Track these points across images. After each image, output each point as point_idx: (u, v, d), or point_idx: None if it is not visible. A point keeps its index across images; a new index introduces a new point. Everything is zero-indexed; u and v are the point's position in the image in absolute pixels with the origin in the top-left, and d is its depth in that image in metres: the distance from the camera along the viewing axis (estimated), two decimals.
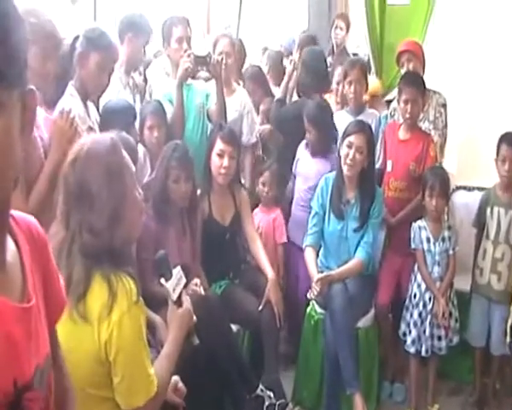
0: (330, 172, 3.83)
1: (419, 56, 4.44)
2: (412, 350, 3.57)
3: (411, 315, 3.59)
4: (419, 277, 3.59)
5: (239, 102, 4.29)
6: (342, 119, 4.21)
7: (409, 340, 3.58)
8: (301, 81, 4.52)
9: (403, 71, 4.40)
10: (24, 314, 1.07)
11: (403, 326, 3.64)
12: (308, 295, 3.49)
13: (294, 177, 4.18)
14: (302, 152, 4.14)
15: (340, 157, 3.61)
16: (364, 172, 3.59)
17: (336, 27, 6.16)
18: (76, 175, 1.89)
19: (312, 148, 4.07)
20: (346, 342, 3.34)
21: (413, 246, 3.60)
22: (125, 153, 1.98)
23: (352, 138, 3.53)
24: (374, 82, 4.78)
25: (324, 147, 4.04)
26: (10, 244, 1.10)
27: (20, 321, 1.05)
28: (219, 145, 3.57)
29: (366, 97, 4.48)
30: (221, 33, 5.02)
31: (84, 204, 1.88)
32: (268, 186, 4.07)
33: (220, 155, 3.56)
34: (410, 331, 3.59)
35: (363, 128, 3.59)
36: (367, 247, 3.58)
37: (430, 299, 3.52)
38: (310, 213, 3.82)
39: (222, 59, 3.99)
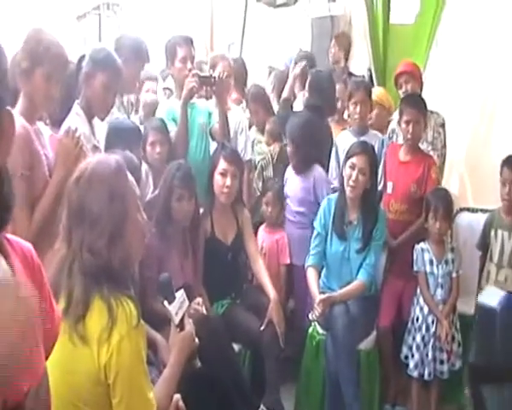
0: (313, 189, 3.95)
1: (417, 78, 4.48)
2: (415, 374, 3.54)
3: (414, 338, 3.57)
4: (421, 299, 3.57)
5: (234, 120, 4.31)
6: (345, 139, 4.22)
7: (411, 363, 3.56)
8: (309, 103, 4.52)
9: (401, 92, 4.43)
10: None
11: (405, 349, 3.62)
12: (310, 316, 3.48)
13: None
14: (289, 171, 4.17)
15: (342, 178, 3.61)
16: (367, 194, 3.59)
17: (333, 46, 6.20)
18: (79, 193, 1.91)
19: (292, 164, 4.12)
20: (347, 363, 3.33)
21: (415, 268, 3.59)
22: (129, 176, 1.98)
23: (354, 160, 3.54)
24: (380, 90, 4.78)
25: (302, 164, 4.07)
26: (2, 262, 1.10)
27: None
28: (222, 165, 3.57)
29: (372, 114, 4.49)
30: (219, 54, 5.06)
31: (85, 223, 1.89)
32: (271, 206, 4.06)
33: (223, 175, 3.57)
34: (412, 355, 3.56)
35: (366, 149, 3.59)
36: (369, 268, 3.57)
37: (433, 322, 3.50)
38: (302, 229, 3.87)
39: (225, 76, 4.02)
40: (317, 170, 4.08)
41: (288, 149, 4.12)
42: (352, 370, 3.34)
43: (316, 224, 3.72)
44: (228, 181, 3.56)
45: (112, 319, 1.82)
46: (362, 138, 4.07)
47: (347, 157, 3.60)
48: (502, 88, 4.79)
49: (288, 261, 4.03)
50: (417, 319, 3.58)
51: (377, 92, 4.68)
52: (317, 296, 3.46)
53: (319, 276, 3.71)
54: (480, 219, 3.90)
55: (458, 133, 4.86)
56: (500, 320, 2.23)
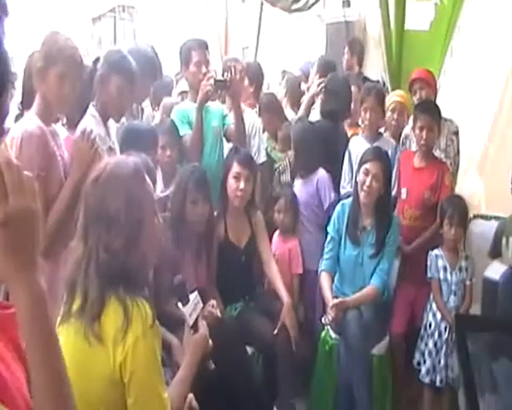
0: (316, 193, 4.02)
1: (431, 85, 4.48)
2: (427, 380, 3.54)
3: (426, 345, 3.57)
4: (434, 306, 3.57)
5: (247, 123, 4.33)
6: (358, 144, 4.23)
7: (423, 370, 3.55)
8: (325, 108, 4.53)
9: (415, 98, 4.43)
10: None
11: (417, 356, 3.61)
12: (323, 321, 3.49)
13: None
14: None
15: (356, 184, 3.62)
16: (381, 200, 3.59)
17: (346, 53, 6.21)
18: (96, 193, 1.93)
19: (293, 169, 4.17)
20: (360, 368, 3.33)
21: (429, 275, 3.59)
22: (147, 179, 2.00)
23: (368, 166, 3.54)
24: (401, 92, 4.77)
25: (304, 169, 4.13)
26: None
27: None
28: (235, 168, 3.58)
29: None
30: (231, 58, 5.06)
31: (102, 223, 1.90)
32: (283, 213, 4.04)
33: (236, 178, 3.58)
34: (424, 361, 3.56)
35: (379, 156, 3.60)
36: (382, 274, 3.57)
37: (446, 329, 3.49)
38: (306, 233, 3.95)
39: (241, 76, 4.05)
40: (320, 173, 4.10)
41: (291, 154, 4.15)
42: (365, 375, 3.34)
43: (329, 228, 3.72)
44: (242, 184, 3.57)
45: (127, 319, 1.83)
46: (375, 144, 4.07)
47: (361, 163, 3.61)
48: None
49: (301, 271, 4.02)
50: (430, 326, 3.57)
51: (399, 93, 4.67)
52: (330, 301, 3.46)
53: (332, 281, 3.71)
54: (494, 226, 3.88)
55: (472, 141, 4.85)
56: (501, 292, 2.29)
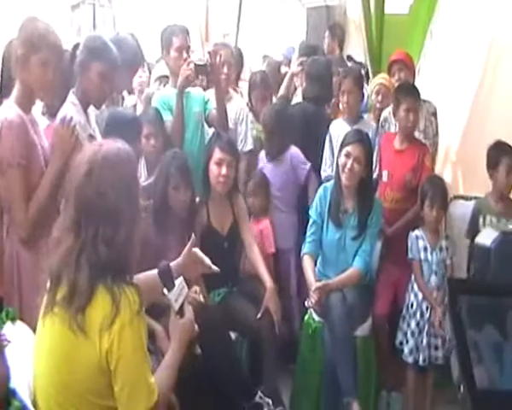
0: (291, 170, 4.08)
1: (410, 66, 4.53)
2: (410, 360, 3.58)
3: (408, 325, 3.60)
4: (416, 286, 3.60)
5: (235, 110, 4.33)
6: (339, 127, 4.26)
7: (406, 349, 3.59)
8: (307, 92, 4.54)
9: (394, 80, 4.46)
10: None
11: (399, 336, 3.65)
12: (306, 304, 3.51)
13: None
14: (262, 159, 4.27)
15: (338, 166, 3.63)
16: (363, 182, 3.60)
17: (327, 37, 6.22)
18: (92, 186, 1.90)
19: (266, 151, 4.24)
20: (344, 351, 3.34)
21: (410, 256, 3.62)
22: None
23: (349, 148, 3.55)
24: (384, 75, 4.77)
25: (276, 150, 4.17)
26: None
27: None
28: (218, 154, 3.58)
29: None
30: (220, 43, 5.03)
31: (100, 215, 1.90)
32: (253, 196, 4.07)
33: (218, 164, 3.57)
34: (407, 341, 3.59)
35: (361, 138, 3.61)
36: (365, 255, 3.59)
37: (427, 308, 3.53)
38: (281, 213, 4.06)
39: (221, 61, 4.10)
40: (293, 149, 4.16)
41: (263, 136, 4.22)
42: (349, 357, 3.35)
43: (311, 212, 3.73)
44: (224, 170, 3.56)
45: (115, 306, 1.84)
46: (355, 127, 4.10)
47: (342, 146, 3.61)
48: (495, 78, 4.81)
49: (273, 250, 4.05)
50: (412, 306, 3.61)
51: (384, 76, 4.68)
52: (314, 284, 3.48)
53: (315, 264, 3.73)
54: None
55: (451, 122, 4.88)
56: (494, 258, 2.34)
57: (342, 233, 3.64)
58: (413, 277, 3.63)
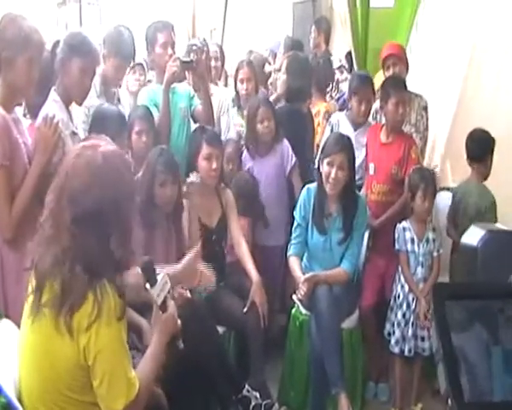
0: (274, 168, 4.10)
1: (403, 60, 4.52)
2: (396, 350, 3.60)
3: (396, 315, 3.63)
4: (403, 277, 3.62)
5: (216, 103, 4.37)
6: (343, 124, 4.35)
7: (393, 340, 3.61)
8: (288, 88, 4.54)
9: (387, 74, 4.46)
10: None
11: (388, 326, 3.67)
12: (294, 297, 3.52)
13: None
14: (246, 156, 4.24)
15: (320, 174, 3.60)
16: (346, 186, 3.58)
17: (313, 31, 6.23)
18: (91, 191, 1.91)
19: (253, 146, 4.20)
20: (331, 343, 3.36)
21: (397, 247, 3.63)
22: None
23: (332, 158, 3.51)
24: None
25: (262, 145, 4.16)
26: None
27: None
28: (206, 149, 3.59)
29: None
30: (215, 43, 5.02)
31: (98, 219, 1.91)
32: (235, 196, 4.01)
33: (208, 159, 3.59)
34: (394, 332, 3.62)
35: (342, 145, 3.56)
36: (352, 258, 3.60)
37: (413, 300, 3.56)
38: (274, 209, 4.06)
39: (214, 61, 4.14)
40: (285, 143, 4.16)
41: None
42: (336, 349, 3.37)
43: (296, 214, 3.71)
44: (214, 165, 3.59)
45: (97, 307, 1.86)
46: (358, 130, 4.24)
47: (324, 154, 3.57)
48: (481, 71, 4.84)
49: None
50: (399, 297, 3.63)
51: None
52: (302, 277, 3.49)
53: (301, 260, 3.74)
54: None
55: (439, 115, 4.90)
56: (480, 257, 2.36)
57: (327, 237, 3.62)
58: (400, 268, 3.65)
